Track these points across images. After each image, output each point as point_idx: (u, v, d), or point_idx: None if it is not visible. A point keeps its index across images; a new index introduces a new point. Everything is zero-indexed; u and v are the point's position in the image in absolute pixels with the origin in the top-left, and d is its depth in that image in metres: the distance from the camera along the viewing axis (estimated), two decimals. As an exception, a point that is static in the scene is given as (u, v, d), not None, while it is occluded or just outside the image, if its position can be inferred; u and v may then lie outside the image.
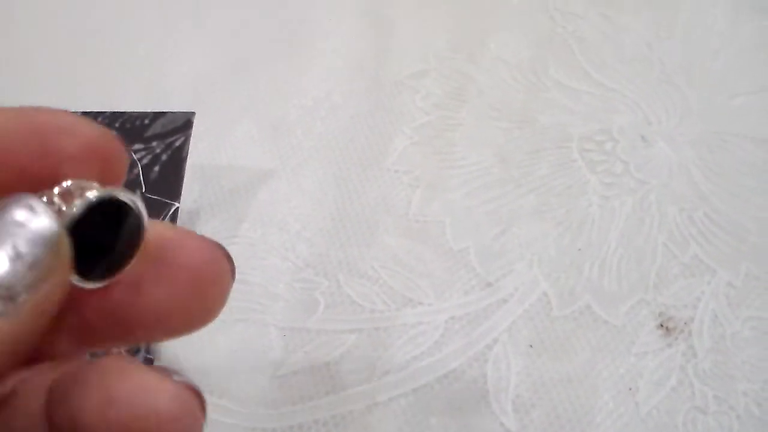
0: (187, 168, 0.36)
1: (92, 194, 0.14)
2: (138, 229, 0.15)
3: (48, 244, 0.13)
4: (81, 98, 0.40)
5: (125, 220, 0.15)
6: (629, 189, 0.36)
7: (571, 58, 0.41)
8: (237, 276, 0.16)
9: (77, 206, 0.14)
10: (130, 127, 0.37)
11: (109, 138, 0.15)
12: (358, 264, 0.34)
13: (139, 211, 0.15)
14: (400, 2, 0.43)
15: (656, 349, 0.32)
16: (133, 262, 0.15)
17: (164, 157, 0.36)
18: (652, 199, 0.36)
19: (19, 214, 0.13)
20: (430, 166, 0.37)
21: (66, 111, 0.15)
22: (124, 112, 0.38)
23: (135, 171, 0.36)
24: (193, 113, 0.37)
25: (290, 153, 0.38)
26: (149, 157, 0.36)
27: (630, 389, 0.31)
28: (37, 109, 0.15)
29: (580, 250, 0.34)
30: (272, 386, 0.31)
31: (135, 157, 0.36)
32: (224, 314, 0.16)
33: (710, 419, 0.30)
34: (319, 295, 0.33)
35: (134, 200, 0.15)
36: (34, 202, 0.14)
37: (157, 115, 0.37)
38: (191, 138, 0.36)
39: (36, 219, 0.14)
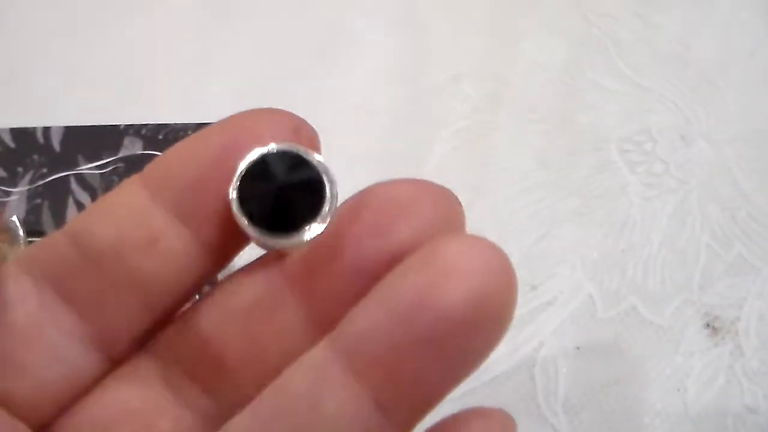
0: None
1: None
2: (319, 179, 0.15)
3: None
4: (124, 111, 0.41)
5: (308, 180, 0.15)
6: (670, 189, 0.36)
7: (606, 58, 0.41)
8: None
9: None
10: (173, 138, 0.38)
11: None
12: (403, 270, 0.34)
13: (316, 168, 0.15)
14: (434, 7, 0.44)
15: (703, 349, 0.32)
16: (326, 213, 0.15)
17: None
18: (694, 199, 0.36)
19: None
20: (470, 170, 0.37)
21: (249, 117, 0.16)
22: (167, 124, 0.39)
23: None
24: (235, 124, 0.37)
25: (329, 161, 0.38)
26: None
27: (678, 389, 0.31)
28: (216, 130, 0.15)
29: (623, 251, 0.34)
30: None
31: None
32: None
33: (761, 418, 0.30)
34: (366, 302, 0.34)
35: (312, 156, 0.15)
36: None
37: (200, 126, 0.38)
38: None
39: None
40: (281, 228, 0.15)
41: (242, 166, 0.15)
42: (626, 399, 0.31)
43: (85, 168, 0.39)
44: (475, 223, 0.35)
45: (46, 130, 0.40)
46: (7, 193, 0.38)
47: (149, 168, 0.16)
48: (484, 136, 0.38)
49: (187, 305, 0.17)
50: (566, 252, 0.35)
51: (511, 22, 0.43)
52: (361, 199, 0.15)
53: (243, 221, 0.15)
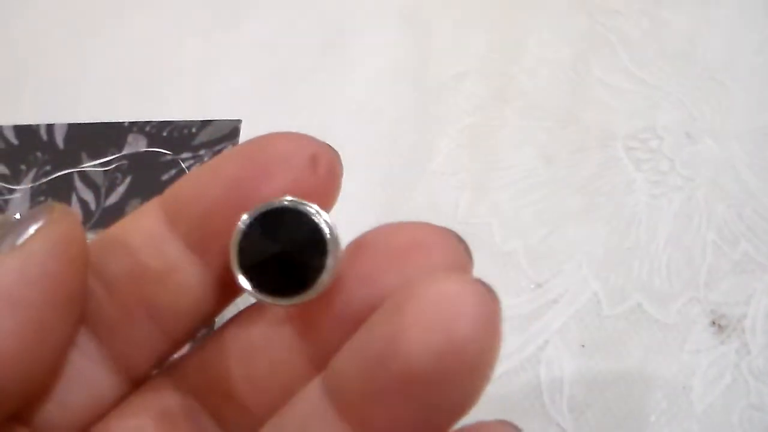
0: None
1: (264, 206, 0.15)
2: (322, 241, 0.15)
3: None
4: (128, 108, 0.40)
5: (311, 233, 0.15)
6: (676, 186, 0.36)
7: (612, 55, 0.40)
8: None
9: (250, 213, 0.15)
10: (177, 135, 0.38)
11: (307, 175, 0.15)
12: (408, 267, 0.34)
13: (319, 223, 0.15)
14: (439, 4, 0.43)
15: (709, 347, 0.32)
16: (329, 280, 0.15)
17: (212, 165, 0.36)
18: (700, 197, 0.36)
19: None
20: (475, 168, 0.37)
21: (262, 144, 0.16)
22: (172, 121, 0.39)
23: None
24: (239, 121, 0.37)
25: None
26: (197, 165, 0.37)
27: (684, 388, 0.31)
28: (231, 158, 0.15)
29: (628, 249, 0.34)
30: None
31: (183, 165, 0.37)
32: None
33: (767, 416, 0.30)
34: (370, 299, 0.34)
35: (314, 211, 0.15)
36: None
37: (204, 124, 0.38)
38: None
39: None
40: (276, 289, 0.15)
41: (246, 219, 0.15)
42: (632, 397, 0.31)
43: (89, 165, 0.39)
44: (480, 220, 0.35)
45: (50, 127, 0.40)
46: (11, 191, 0.38)
47: (169, 192, 0.16)
48: (490, 133, 0.38)
49: (204, 331, 0.17)
50: (572, 250, 0.34)
51: (517, 19, 0.42)
52: (362, 242, 0.15)
53: (239, 278, 0.15)
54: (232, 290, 0.16)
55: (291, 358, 0.16)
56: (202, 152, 0.37)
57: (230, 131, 0.37)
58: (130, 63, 0.43)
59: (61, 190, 0.38)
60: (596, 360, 0.32)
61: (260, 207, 0.15)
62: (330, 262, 0.15)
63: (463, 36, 0.42)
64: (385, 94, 0.40)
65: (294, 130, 0.16)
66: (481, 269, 0.33)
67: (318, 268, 0.15)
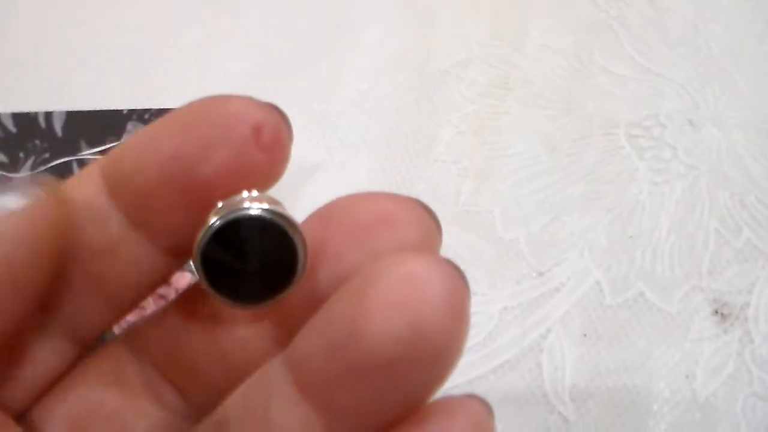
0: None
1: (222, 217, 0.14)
2: (294, 262, 0.14)
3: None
4: (127, 96, 0.40)
5: (278, 239, 0.14)
6: (679, 174, 0.36)
7: (615, 43, 0.40)
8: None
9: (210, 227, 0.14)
10: (177, 123, 0.38)
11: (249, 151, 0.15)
12: (410, 256, 0.34)
13: (294, 240, 0.14)
14: (440, -9, 0.43)
15: (712, 336, 0.32)
16: (292, 287, 0.14)
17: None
18: (703, 185, 0.35)
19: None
20: (477, 155, 0.37)
21: (205, 106, 0.15)
22: (171, 109, 0.38)
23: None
24: (239, 108, 0.37)
25: (337, 146, 0.38)
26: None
27: (687, 376, 0.31)
28: (172, 125, 0.15)
29: (631, 237, 0.34)
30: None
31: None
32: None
33: (770, 406, 0.30)
34: (372, 288, 0.34)
35: (279, 216, 0.14)
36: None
37: (204, 111, 0.38)
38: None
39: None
40: (241, 297, 0.15)
41: (214, 225, 0.14)
42: (634, 386, 0.31)
43: (88, 153, 0.38)
44: (482, 209, 0.35)
45: (48, 114, 0.40)
46: (9, 179, 0.38)
47: (109, 161, 0.16)
48: (492, 121, 0.38)
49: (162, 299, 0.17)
50: (574, 238, 0.34)
51: (519, 7, 0.42)
52: (325, 215, 0.15)
53: (204, 284, 0.14)
54: (181, 258, 0.16)
55: (255, 333, 0.15)
56: (202, 140, 0.37)
57: (230, 119, 0.37)
58: (128, 51, 0.43)
59: (59, 178, 0.38)
60: (598, 349, 0.32)
61: (229, 213, 0.14)
62: (298, 277, 0.14)
63: (466, 23, 0.42)
64: (386, 81, 0.40)
65: (293, 117, 0.15)
66: (482, 257, 0.33)
67: (286, 285, 0.14)
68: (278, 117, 0.15)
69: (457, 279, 0.12)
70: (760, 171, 0.36)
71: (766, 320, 0.32)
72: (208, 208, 0.14)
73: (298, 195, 0.36)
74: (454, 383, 0.31)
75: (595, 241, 0.34)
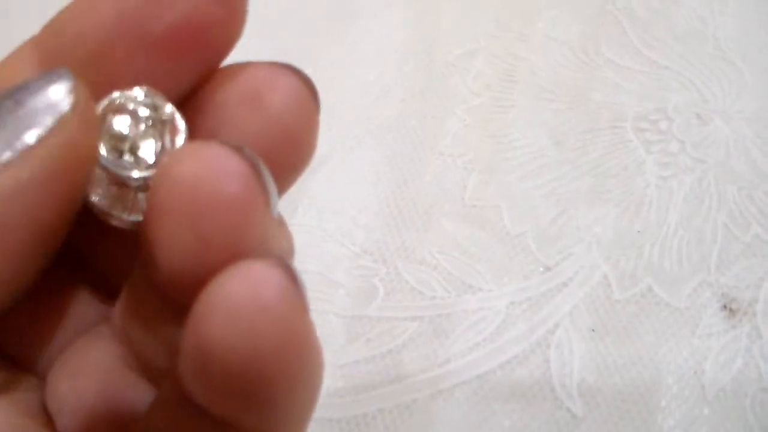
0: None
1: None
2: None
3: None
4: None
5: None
6: (686, 168, 0.35)
7: (622, 35, 0.40)
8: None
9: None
10: (181, 115, 0.37)
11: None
12: (416, 250, 0.34)
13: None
14: (446, -18, 0.43)
15: (720, 331, 0.31)
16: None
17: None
18: (710, 178, 0.35)
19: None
20: (483, 148, 0.37)
21: None
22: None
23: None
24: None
25: (343, 138, 0.37)
26: None
27: (695, 372, 0.31)
28: None
29: (639, 231, 0.34)
30: (335, 376, 0.31)
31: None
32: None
33: (779, 401, 0.30)
34: (378, 282, 0.33)
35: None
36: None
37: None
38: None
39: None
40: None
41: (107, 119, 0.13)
42: (642, 382, 0.31)
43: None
44: (488, 202, 0.35)
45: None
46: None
47: (46, 31, 0.14)
48: (498, 113, 0.38)
49: None
50: (581, 232, 0.34)
51: (524, -2, 0.42)
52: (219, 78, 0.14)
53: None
54: None
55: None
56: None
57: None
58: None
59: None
60: (606, 344, 0.31)
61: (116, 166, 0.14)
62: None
63: (472, 15, 0.41)
64: (392, 73, 0.40)
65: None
66: (489, 252, 0.33)
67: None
68: None
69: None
70: (769, 165, 0.35)
71: (775, 315, 0.32)
72: (162, 78, 0.14)
73: (305, 187, 0.35)
74: (464, 378, 0.31)
75: (602, 235, 0.34)
